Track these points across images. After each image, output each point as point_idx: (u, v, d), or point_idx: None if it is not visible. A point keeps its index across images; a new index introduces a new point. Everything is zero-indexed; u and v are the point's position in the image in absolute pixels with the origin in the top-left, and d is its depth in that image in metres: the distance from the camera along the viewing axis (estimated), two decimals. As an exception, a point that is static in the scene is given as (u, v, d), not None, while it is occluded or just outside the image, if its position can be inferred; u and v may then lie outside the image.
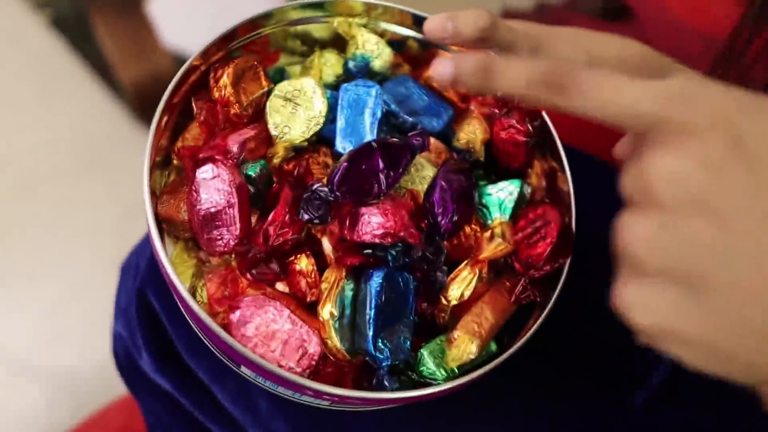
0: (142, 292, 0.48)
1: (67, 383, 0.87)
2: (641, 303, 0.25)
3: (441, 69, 0.30)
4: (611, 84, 0.26)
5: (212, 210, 0.39)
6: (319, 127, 0.43)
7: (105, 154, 1.09)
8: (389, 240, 0.37)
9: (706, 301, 0.24)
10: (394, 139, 0.40)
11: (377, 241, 0.37)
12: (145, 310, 0.49)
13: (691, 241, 0.24)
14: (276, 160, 0.43)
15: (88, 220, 1.04)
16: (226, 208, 0.38)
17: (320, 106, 0.43)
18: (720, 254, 0.23)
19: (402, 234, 0.37)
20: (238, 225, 0.38)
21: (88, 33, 1.07)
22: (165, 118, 0.42)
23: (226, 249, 0.39)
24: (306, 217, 0.39)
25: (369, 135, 0.43)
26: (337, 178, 0.38)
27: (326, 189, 0.39)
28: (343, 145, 0.43)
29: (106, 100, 1.13)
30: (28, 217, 1.03)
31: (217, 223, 0.39)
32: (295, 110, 0.43)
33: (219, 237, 0.39)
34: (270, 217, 0.38)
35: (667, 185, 0.24)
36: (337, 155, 0.44)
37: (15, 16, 1.17)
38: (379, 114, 0.43)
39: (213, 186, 0.39)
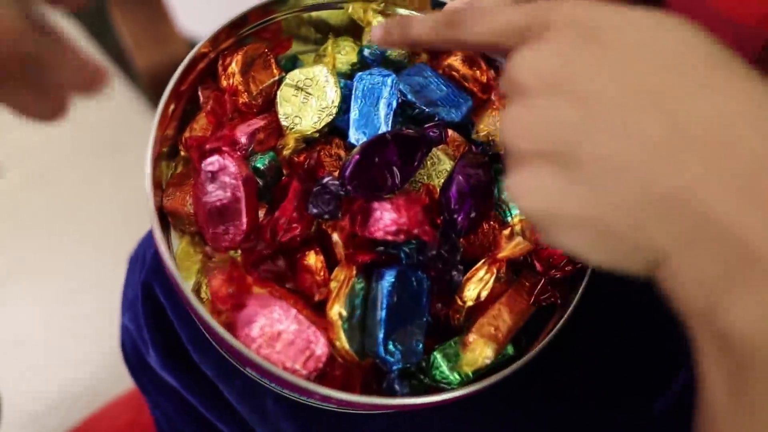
0: (148, 286, 0.47)
1: (76, 375, 0.87)
2: (525, 188, 0.26)
3: (375, 33, 0.36)
4: (493, 10, 0.30)
5: (218, 204, 0.37)
6: (331, 117, 0.41)
7: (122, 142, 1.09)
8: (402, 237, 0.35)
9: (580, 178, 0.24)
10: (410, 131, 0.39)
11: (390, 238, 0.35)
12: (151, 304, 0.47)
13: (553, 118, 0.25)
14: (286, 152, 0.41)
15: (103, 208, 1.03)
16: (233, 202, 0.37)
17: (333, 95, 0.41)
18: (581, 129, 0.24)
19: (416, 231, 0.35)
20: (244, 219, 0.37)
21: (106, 21, 1.07)
22: (171, 107, 0.40)
23: (232, 244, 0.37)
24: (315, 211, 0.37)
25: (383, 126, 0.41)
26: (348, 171, 0.36)
27: (337, 183, 0.37)
28: (357, 137, 0.41)
29: (122, 89, 1.12)
30: (43, 205, 1.03)
31: (223, 217, 0.37)
32: (307, 100, 0.42)
33: (225, 232, 0.37)
34: (278, 212, 0.37)
35: (526, 72, 0.26)
36: (350, 147, 0.42)
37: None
38: (394, 104, 0.41)
39: (219, 178, 0.37)
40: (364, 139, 0.41)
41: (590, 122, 0.24)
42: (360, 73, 0.42)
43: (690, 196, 0.22)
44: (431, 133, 0.39)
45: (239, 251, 0.38)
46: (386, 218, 0.36)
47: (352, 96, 0.42)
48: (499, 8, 0.30)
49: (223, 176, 0.37)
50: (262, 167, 0.40)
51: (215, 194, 0.37)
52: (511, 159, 0.27)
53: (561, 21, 0.26)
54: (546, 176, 0.25)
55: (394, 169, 0.37)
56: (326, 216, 0.37)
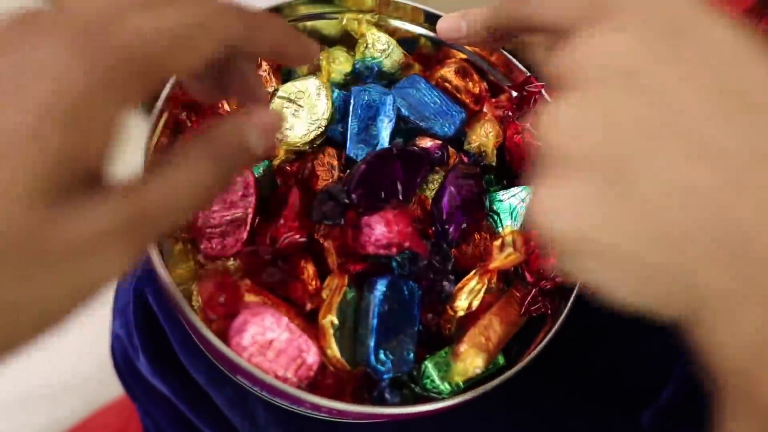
0: (140, 293, 0.47)
1: (64, 381, 0.86)
2: (558, 205, 0.21)
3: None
4: None
5: (228, 216, 0.37)
6: (321, 130, 0.42)
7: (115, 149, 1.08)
8: (394, 250, 0.36)
9: (630, 199, 0.20)
10: (414, 148, 0.40)
11: (381, 252, 0.36)
12: (143, 312, 0.47)
13: (613, 114, 0.20)
14: (276, 162, 0.41)
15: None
16: (242, 216, 0.37)
17: (323, 108, 0.42)
18: (646, 134, 0.20)
19: (407, 244, 0.35)
20: (245, 234, 0.37)
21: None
22: (165, 115, 0.40)
23: (225, 253, 0.37)
24: (318, 217, 0.37)
25: (384, 143, 0.42)
26: (354, 181, 0.37)
27: (341, 190, 0.37)
28: (355, 152, 0.41)
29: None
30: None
31: (225, 228, 0.38)
32: (298, 112, 0.42)
33: (222, 243, 0.37)
34: (279, 218, 0.37)
35: (595, 56, 0.21)
36: (348, 159, 0.42)
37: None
38: (393, 123, 0.42)
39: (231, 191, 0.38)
40: (363, 154, 0.41)
41: (660, 128, 0.20)
42: (357, 88, 0.42)
43: (763, 244, 0.18)
44: (435, 154, 0.41)
45: (233, 260, 0.38)
46: (377, 232, 0.36)
47: (350, 110, 0.42)
48: None
49: (236, 190, 0.38)
50: (257, 176, 0.40)
51: (226, 208, 0.38)
52: (546, 165, 0.22)
53: (634, 5, 0.22)
54: (588, 193, 0.20)
55: (398, 183, 0.38)
56: (327, 221, 0.37)
